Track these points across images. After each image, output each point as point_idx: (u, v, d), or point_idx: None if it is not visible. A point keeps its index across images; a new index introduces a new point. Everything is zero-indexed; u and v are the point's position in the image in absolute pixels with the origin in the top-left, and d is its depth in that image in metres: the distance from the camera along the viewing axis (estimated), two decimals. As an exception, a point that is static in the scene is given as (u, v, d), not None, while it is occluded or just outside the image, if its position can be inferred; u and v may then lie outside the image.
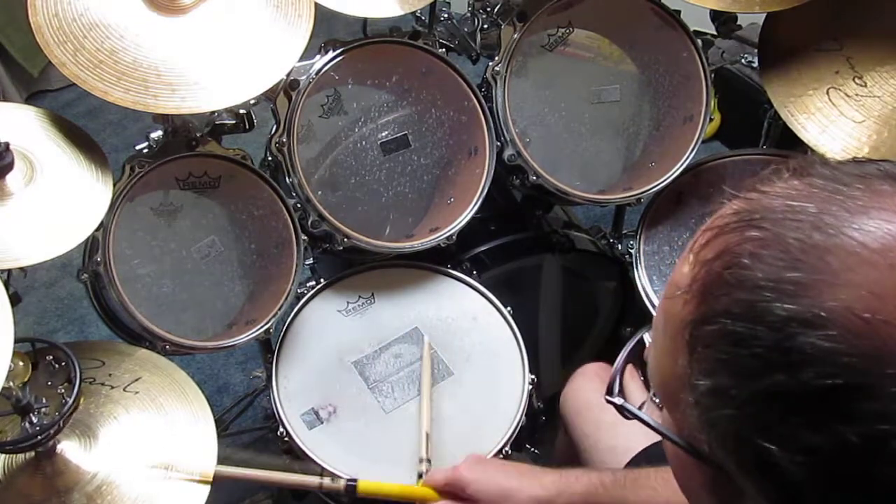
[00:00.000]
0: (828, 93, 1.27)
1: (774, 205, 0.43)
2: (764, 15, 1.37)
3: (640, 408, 0.54)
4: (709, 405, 0.44)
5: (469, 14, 1.52)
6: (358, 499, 1.13)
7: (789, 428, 0.40)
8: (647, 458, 0.97)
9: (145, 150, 1.18)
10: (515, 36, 1.31)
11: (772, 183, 0.45)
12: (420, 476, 1.06)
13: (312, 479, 1.00)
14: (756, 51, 1.38)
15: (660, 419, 0.52)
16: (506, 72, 1.31)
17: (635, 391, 0.54)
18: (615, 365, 0.58)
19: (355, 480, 0.97)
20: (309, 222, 1.24)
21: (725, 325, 0.42)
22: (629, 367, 0.57)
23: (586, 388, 1.17)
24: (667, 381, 0.49)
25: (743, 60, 2.13)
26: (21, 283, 1.02)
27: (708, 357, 0.43)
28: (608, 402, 0.56)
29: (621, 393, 0.56)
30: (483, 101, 1.32)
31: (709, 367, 0.43)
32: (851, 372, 0.38)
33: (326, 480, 0.98)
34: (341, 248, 1.27)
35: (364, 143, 1.36)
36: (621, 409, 0.55)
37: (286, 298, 1.24)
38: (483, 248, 1.47)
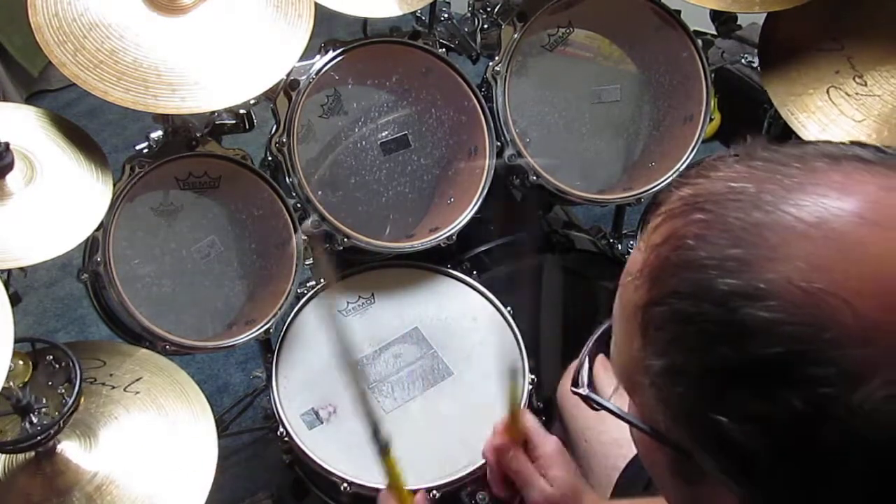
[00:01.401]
0: (828, 92, 1.27)
1: (717, 188, 0.45)
2: (764, 15, 1.37)
3: (611, 395, 0.55)
4: (662, 385, 0.45)
5: (469, 14, 1.52)
6: (359, 497, 1.14)
7: (738, 399, 0.41)
8: None
9: (145, 150, 1.18)
10: (515, 36, 1.31)
11: (716, 168, 0.47)
12: None
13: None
14: (756, 51, 1.38)
15: (627, 406, 0.53)
16: (506, 72, 1.31)
17: (607, 379, 0.54)
18: (580, 356, 0.58)
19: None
20: (309, 222, 1.24)
21: (673, 305, 0.43)
22: (603, 358, 0.57)
23: (593, 369, 1.15)
24: (625, 366, 0.50)
25: (743, 60, 2.14)
26: (21, 283, 1.02)
27: (659, 338, 0.45)
28: (574, 393, 0.56)
29: (590, 383, 0.57)
30: (483, 101, 1.32)
31: (660, 348, 0.45)
32: (792, 340, 0.39)
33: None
34: (341, 248, 1.27)
35: (364, 143, 1.36)
36: (587, 400, 0.56)
37: (286, 298, 1.24)
38: (483, 248, 1.47)
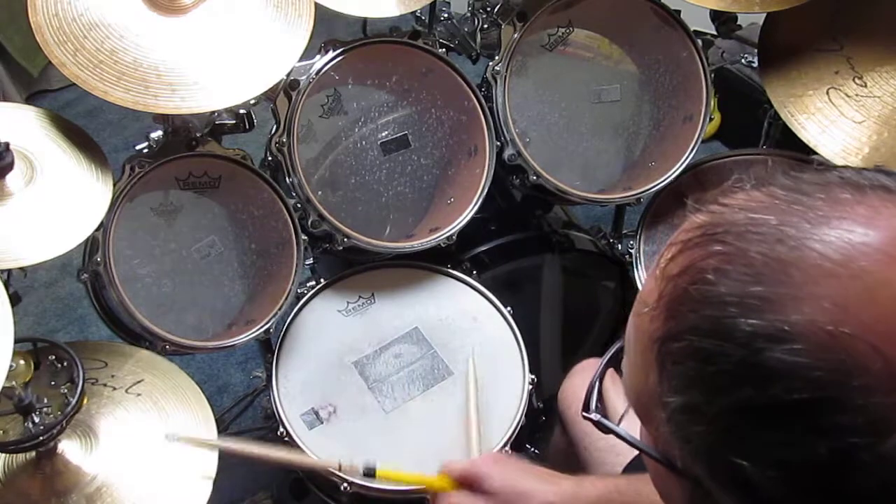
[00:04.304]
0: (828, 93, 1.27)
1: (737, 218, 0.43)
2: (764, 15, 1.37)
3: (623, 415, 0.54)
4: (681, 422, 0.44)
5: (469, 14, 1.52)
6: (359, 497, 1.14)
7: (760, 443, 0.40)
8: None
9: (145, 150, 1.18)
10: (515, 36, 1.31)
11: (734, 195, 0.45)
12: None
13: (331, 461, 1.00)
14: (756, 51, 1.38)
15: (640, 431, 0.52)
16: (506, 71, 1.31)
17: (618, 397, 0.53)
18: (591, 380, 0.57)
19: (374, 467, 0.95)
20: (309, 222, 1.24)
21: (693, 342, 0.42)
22: (612, 372, 0.57)
23: (585, 385, 1.16)
24: (640, 396, 0.48)
25: (743, 60, 2.14)
26: (21, 283, 1.02)
27: (677, 374, 0.43)
28: (585, 418, 0.55)
29: (599, 404, 0.56)
30: (483, 101, 1.32)
31: (679, 384, 0.43)
32: (818, 386, 0.38)
33: (345, 461, 0.98)
34: (341, 248, 1.27)
35: (364, 143, 1.36)
36: (598, 425, 0.54)
37: (286, 298, 1.24)
38: (483, 248, 1.47)
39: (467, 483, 0.90)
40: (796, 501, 0.40)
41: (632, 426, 0.52)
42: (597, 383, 0.57)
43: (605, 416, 0.55)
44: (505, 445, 1.17)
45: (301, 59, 1.14)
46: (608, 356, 0.57)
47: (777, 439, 0.39)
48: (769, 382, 0.39)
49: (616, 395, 0.54)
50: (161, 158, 1.16)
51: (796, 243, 0.40)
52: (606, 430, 0.54)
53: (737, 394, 0.40)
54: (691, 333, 0.42)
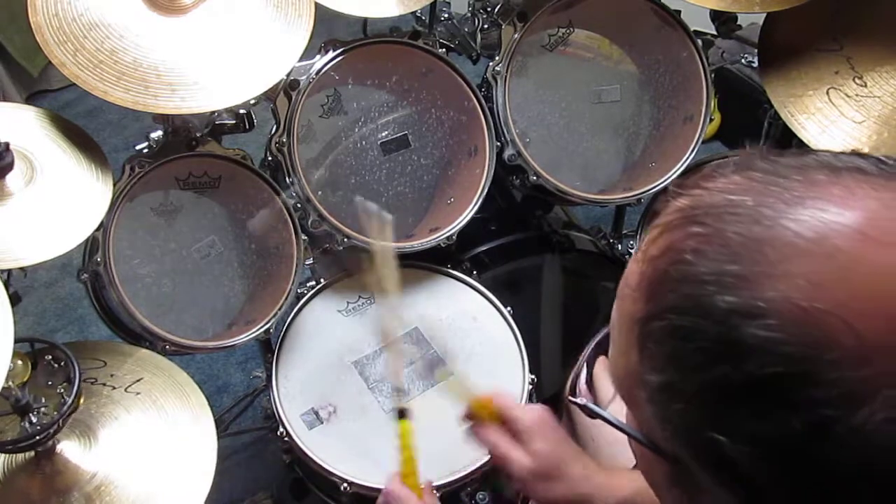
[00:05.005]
0: (828, 93, 1.27)
1: (715, 200, 0.44)
2: (764, 15, 1.37)
3: (611, 400, 0.54)
4: (661, 401, 0.45)
5: (469, 14, 1.52)
6: (359, 497, 1.14)
7: (737, 419, 0.41)
8: None
9: (145, 150, 1.18)
10: (516, 36, 1.31)
11: (714, 179, 0.46)
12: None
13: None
14: (756, 51, 1.38)
15: (626, 415, 0.53)
16: (506, 72, 1.31)
17: (608, 385, 0.54)
18: (577, 364, 0.58)
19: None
20: (309, 222, 1.24)
21: (672, 321, 0.43)
22: (603, 358, 0.57)
23: (593, 372, 1.15)
24: (622, 379, 0.49)
25: (743, 60, 2.14)
26: (21, 283, 1.02)
27: (657, 353, 0.44)
28: (571, 402, 0.56)
29: (588, 388, 0.56)
30: (483, 101, 1.32)
31: (658, 364, 0.44)
32: (792, 360, 0.38)
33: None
34: (341, 248, 1.27)
35: (364, 143, 1.36)
36: (584, 409, 0.55)
37: (286, 298, 1.24)
38: (483, 248, 1.47)
39: (508, 423, 0.84)
40: (774, 475, 0.41)
41: (619, 412, 0.53)
42: (584, 368, 0.57)
43: (594, 401, 0.56)
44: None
45: (301, 59, 1.14)
46: (595, 340, 0.58)
47: (752, 414, 0.40)
48: (744, 358, 0.39)
49: (607, 382, 0.54)
50: (161, 158, 1.16)
51: (771, 223, 0.41)
52: (593, 413, 0.55)
53: (713, 370, 0.41)
54: (671, 312, 0.43)
